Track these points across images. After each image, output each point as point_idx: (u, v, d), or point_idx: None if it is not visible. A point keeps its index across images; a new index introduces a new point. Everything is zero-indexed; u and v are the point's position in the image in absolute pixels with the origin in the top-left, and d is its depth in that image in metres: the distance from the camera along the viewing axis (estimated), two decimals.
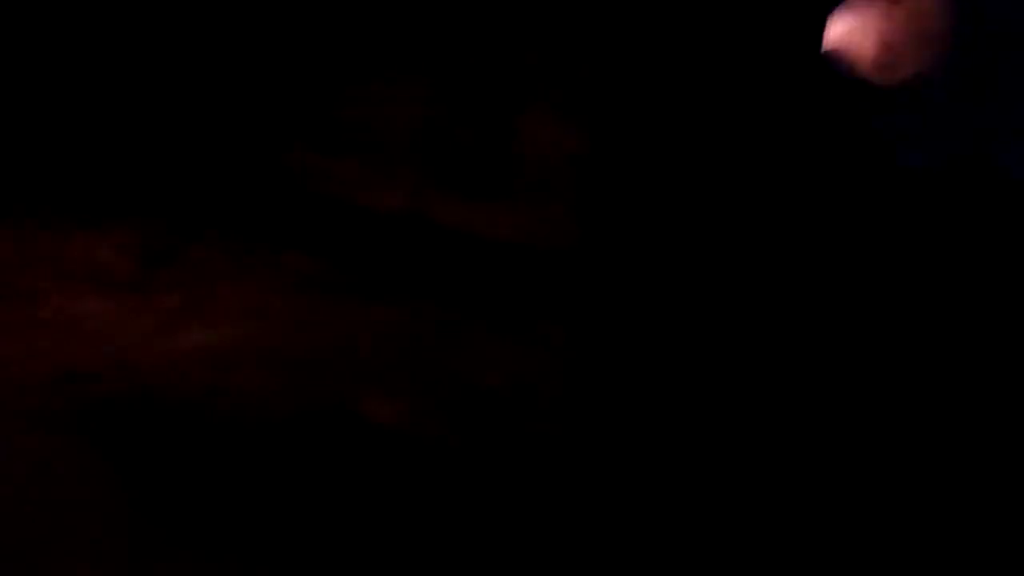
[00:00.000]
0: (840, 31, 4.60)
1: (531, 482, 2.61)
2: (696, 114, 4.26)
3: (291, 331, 3.73)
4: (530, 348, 3.81)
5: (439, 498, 2.50)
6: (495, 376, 3.44)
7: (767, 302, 4.16)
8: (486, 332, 4.07)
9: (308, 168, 5.98)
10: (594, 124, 4.61)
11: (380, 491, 2.52)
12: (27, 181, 5.56)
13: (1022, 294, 4.25)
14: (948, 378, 3.81)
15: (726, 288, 4.43)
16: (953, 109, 4.67)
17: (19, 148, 5.90)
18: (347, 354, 3.58)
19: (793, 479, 2.88)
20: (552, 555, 2.32)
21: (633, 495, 2.63)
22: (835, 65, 4.58)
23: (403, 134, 5.35)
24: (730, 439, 3.07)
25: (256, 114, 6.16)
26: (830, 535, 2.59)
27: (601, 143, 4.48)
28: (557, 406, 3.30)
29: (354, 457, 2.74)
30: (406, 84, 5.66)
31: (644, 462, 2.87)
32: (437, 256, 4.40)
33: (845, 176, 4.78)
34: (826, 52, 4.57)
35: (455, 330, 4.08)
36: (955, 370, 3.85)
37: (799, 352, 3.93)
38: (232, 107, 6.15)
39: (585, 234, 4.72)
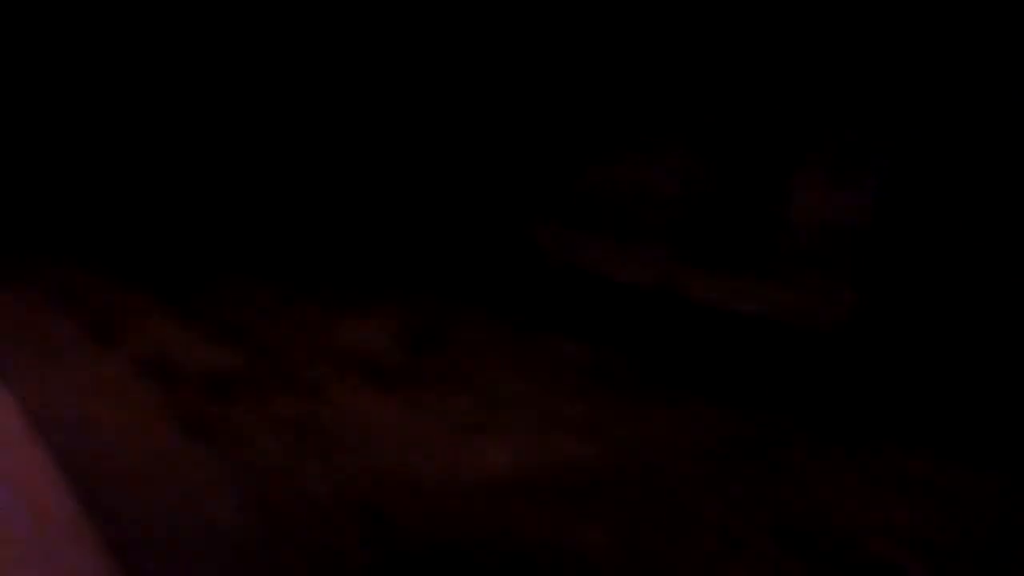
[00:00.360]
0: None
1: None
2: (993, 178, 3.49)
3: (589, 443, 3.53)
4: (871, 486, 3.27)
5: None
6: (839, 515, 2.96)
7: None
8: (807, 451, 3.64)
9: (557, 242, 6.07)
10: (877, 190, 3.75)
11: None
12: (298, 266, 6.22)
13: None
14: None
15: None
16: None
17: (290, 237, 6.59)
18: (656, 474, 3.27)
19: None
20: None
21: None
22: None
23: (657, 206, 5.08)
24: None
25: (505, 189, 6.33)
26: None
27: (886, 211, 3.68)
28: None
29: None
30: (660, 154, 5.16)
31: None
32: (706, 341, 3.87)
33: None
34: None
35: (765, 444, 3.68)
36: None
37: None
38: (482, 182, 6.36)
39: (868, 312, 3.88)
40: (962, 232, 3.39)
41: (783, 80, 4.09)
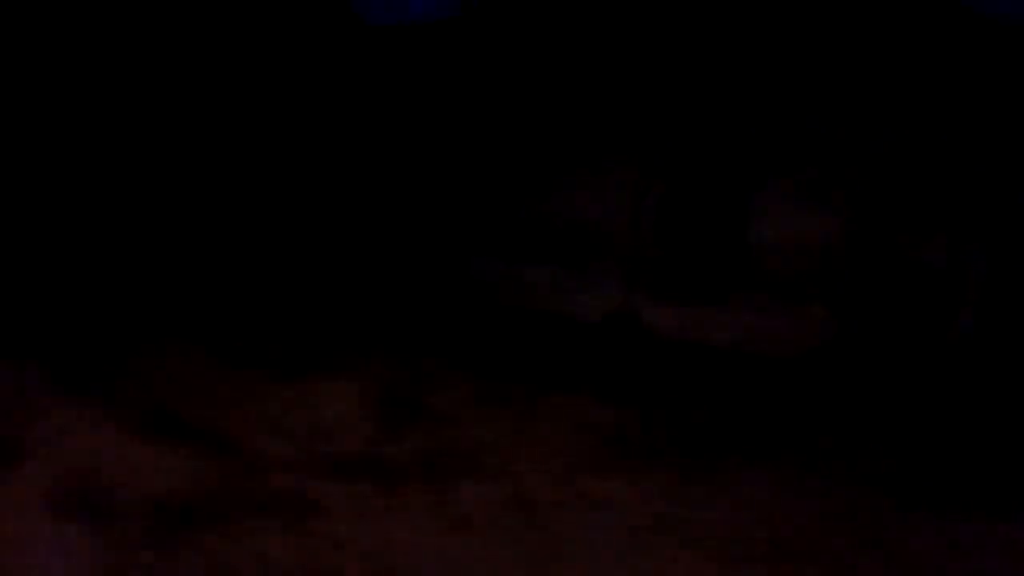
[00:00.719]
0: None
1: None
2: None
3: (691, 546, 2.87)
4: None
5: None
6: None
7: None
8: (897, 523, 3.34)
9: (504, 277, 5.45)
10: (849, 208, 4.03)
11: None
12: (230, 324, 5.04)
13: None
14: None
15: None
16: None
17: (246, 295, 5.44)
18: (791, 555, 2.91)
19: None
20: None
21: None
22: None
23: (609, 232, 4.86)
24: None
25: (444, 223, 5.63)
26: None
27: (860, 229, 4.02)
28: None
29: None
30: (612, 174, 5.08)
31: None
32: (724, 388, 3.74)
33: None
34: None
35: (853, 517, 3.28)
36: None
37: None
38: (420, 217, 5.65)
39: (845, 333, 4.06)
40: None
41: (740, 96, 3.90)
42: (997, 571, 3.00)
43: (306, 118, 6.53)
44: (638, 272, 4.61)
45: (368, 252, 5.05)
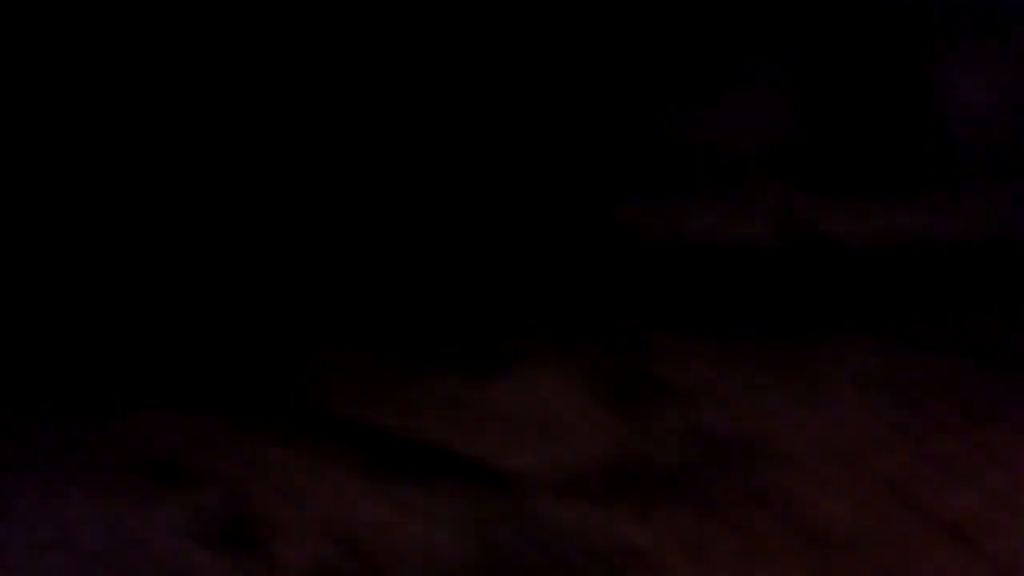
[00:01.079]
0: None
1: None
2: None
3: None
4: None
5: None
6: None
7: None
8: None
9: (647, 215, 4.74)
10: None
11: None
12: (351, 312, 4.21)
13: None
14: None
15: None
16: None
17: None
18: None
19: None
20: None
21: None
22: None
23: (758, 139, 4.22)
24: None
25: (567, 158, 4.81)
26: None
27: None
28: None
29: None
30: (751, 81, 4.36)
31: None
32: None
33: None
34: None
35: None
36: None
37: None
38: (534, 152, 4.78)
39: None
40: None
41: None
42: None
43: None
44: (803, 171, 4.09)
45: (507, 215, 4.51)
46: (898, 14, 3.42)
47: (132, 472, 2.57)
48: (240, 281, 3.89)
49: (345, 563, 2.22)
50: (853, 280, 3.59)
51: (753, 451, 2.33)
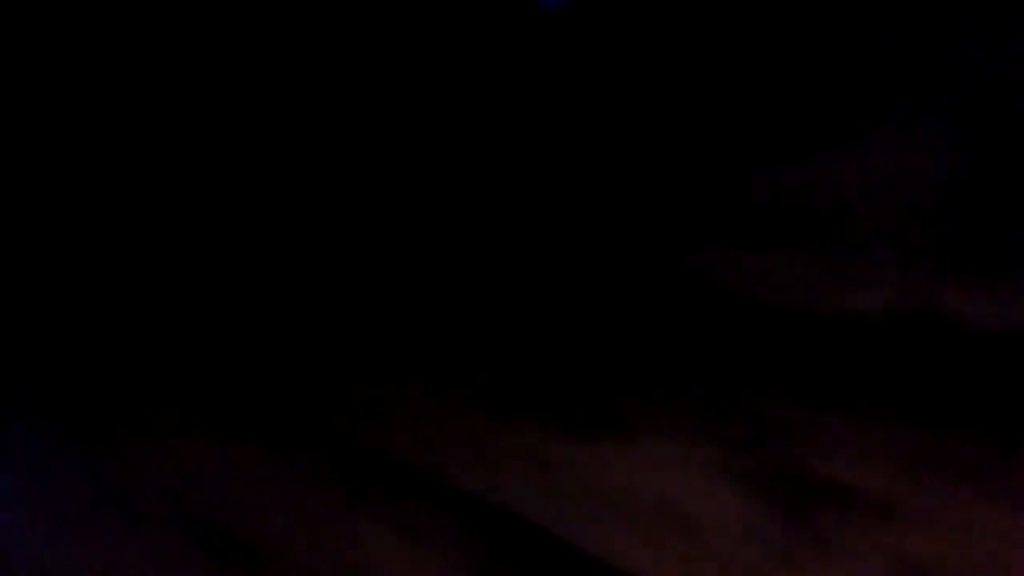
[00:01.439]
0: None
1: None
2: None
3: None
4: None
5: None
6: None
7: None
8: None
9: (736, 270, 3.81)
10: None
11: None
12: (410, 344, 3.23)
13: None
14: None
15: None
16: None
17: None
18: None
19: None
20: None
21: None
22: None
23: (876, 208, 3.45)
24: None
25: (654, 208, 3.91)
26: None
27: None
28: None
29: None
30: (871, 137, 3.68)
31: None
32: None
33: None
34: None
35: None
36: None
37: None
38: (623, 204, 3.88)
39: None
40: None
41: None
42: None
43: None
44: (928, 254, 3.34)
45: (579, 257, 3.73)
46: None
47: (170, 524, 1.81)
48: (314, 299, 3.22)
49: None
50: (977, 365, 2.85)
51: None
